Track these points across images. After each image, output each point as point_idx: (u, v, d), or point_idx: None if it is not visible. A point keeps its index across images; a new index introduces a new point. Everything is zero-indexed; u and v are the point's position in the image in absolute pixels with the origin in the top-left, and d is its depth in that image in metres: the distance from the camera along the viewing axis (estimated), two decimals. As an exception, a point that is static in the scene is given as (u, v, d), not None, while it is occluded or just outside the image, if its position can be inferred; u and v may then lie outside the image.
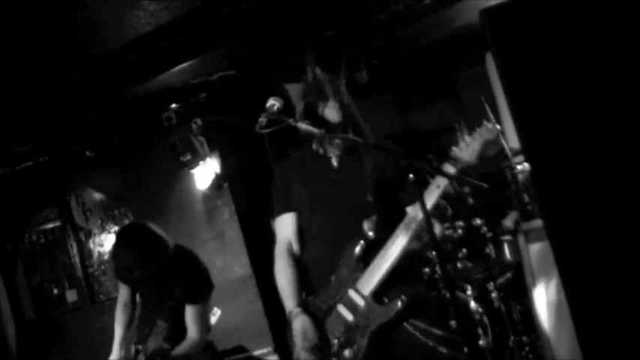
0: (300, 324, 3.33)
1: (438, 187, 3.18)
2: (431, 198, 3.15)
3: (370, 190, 3.43)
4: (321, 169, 3.54)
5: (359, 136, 3.46)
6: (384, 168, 3.49)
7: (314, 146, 3.58)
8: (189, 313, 4.57)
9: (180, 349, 4.51)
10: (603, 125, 2.28)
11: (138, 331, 4.83)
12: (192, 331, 4.56)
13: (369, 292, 3.26)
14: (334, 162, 3.55)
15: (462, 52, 7.58)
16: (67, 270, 7.67)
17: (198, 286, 4.65)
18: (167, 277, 4.53)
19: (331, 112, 3.46)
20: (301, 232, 3.57)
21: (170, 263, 4.55)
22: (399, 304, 3.21)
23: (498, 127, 3.19)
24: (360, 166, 3.51)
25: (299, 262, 3.54)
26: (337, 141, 3.50)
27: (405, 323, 3.30)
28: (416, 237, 3.24)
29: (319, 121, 3.40)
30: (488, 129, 3.22)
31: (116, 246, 4.70)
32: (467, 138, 3.23)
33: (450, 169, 3.18)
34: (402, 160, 3.35)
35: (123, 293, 5.02)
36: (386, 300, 3.27)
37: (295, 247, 3.57)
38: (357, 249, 3.32)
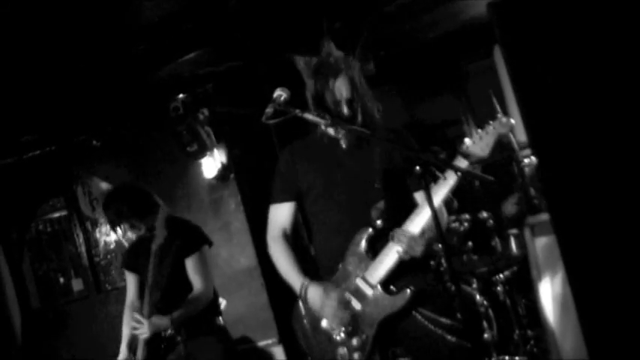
0: (317, 291, 3.33)
1: (445, 179, 3.17)
2: (440, 193, 3.14)
3: (379, 176, 3.42)
4: (329, 153, 3.51)
5: (366, 118, 3.43)
6: (392, 153, 3.48)
7: (322, 128, 3.54)
8: (189, 265, 4.57)
9: (188, 302, 4.50)
10: (611, 119, 2.27)
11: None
12: (196, 282, 4.56)
13: (378, 282, 3.26)
14: (343, 144, 3.52)
15: (470, 45, 7.56)
16: (73, 259, 7.68)
17: (191, 237, 4.69)
18: (163, 250, 4.56)
19: (339, 88, 3.42)
20: (309, 219, 3.57)
21: (163, 225, 4.59)
22: (408, 294, 3.21)
23: (513, 121, 3.16)
24: (369, 149, 3.50)
25: (299, 248, 3.55)
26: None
27: (413, 312, 3.30)
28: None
29: (326, 110, 3.38)
30: (502, 123, 3.19)
31: (106, 204, 4.80)
32: (480, 131, 3.20)
33: (462, 162, 3.16)
34: (408, 152, 3.33)
35: (130, 290, 4.95)
36: (394, 289, 3.27)
37: (289, 234, 3.58)
38: (365, 237, 3.31)
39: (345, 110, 3.40)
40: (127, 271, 4.95)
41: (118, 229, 4.73)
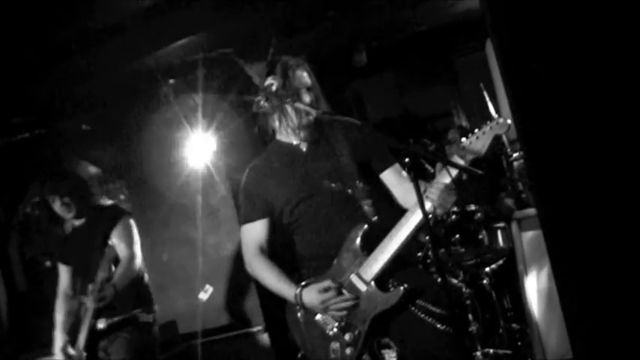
0: (312, 295, 3.31)
1: (433, 171, 3.19)
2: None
3: (357, 174, 3.42)
4: (294, 160, 3.50)
5: (323, 106, 3.44)
6: (359, 145, 3.48)
7: (278, 138, 3.56)
8: (113, 238, 4.67)
9: (118, 274, 4.60)
10: (602, 114, 2.28)
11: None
12: (120, 250, 4.67)
13: (372, 278, 3.26)
14: (303, 147, 3.52)
15: (462, 38, 7.58)
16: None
17: (110, 214, 4.85)
18: (87, 234, 4.73)
19: (300, 77, 3.42)
20: (289, 227, 3.54)
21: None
22: (401, 291, 3.21)
23: (509, 121, 3.19)
24: (328, 144, 3.49)
25: (286, 255, 3.55)
26: (304, 126, 3.45)
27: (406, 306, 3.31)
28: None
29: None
30: (499, 124, 3.22)
31: (44, 181, 5.08)
32: (477, 131, 3.22)
33: (458, 160, 3.18)
34: (398, 145, 3.34)
35: (62, 280, 5.06)
36: (388, 286, 3.28)
37: (266, 251, 3.56)
38: (361, 233, 3.31)
39: (307, 97, 3.39)
40: (60, 263, 5.09)
41: (51, 204, 4.91)
